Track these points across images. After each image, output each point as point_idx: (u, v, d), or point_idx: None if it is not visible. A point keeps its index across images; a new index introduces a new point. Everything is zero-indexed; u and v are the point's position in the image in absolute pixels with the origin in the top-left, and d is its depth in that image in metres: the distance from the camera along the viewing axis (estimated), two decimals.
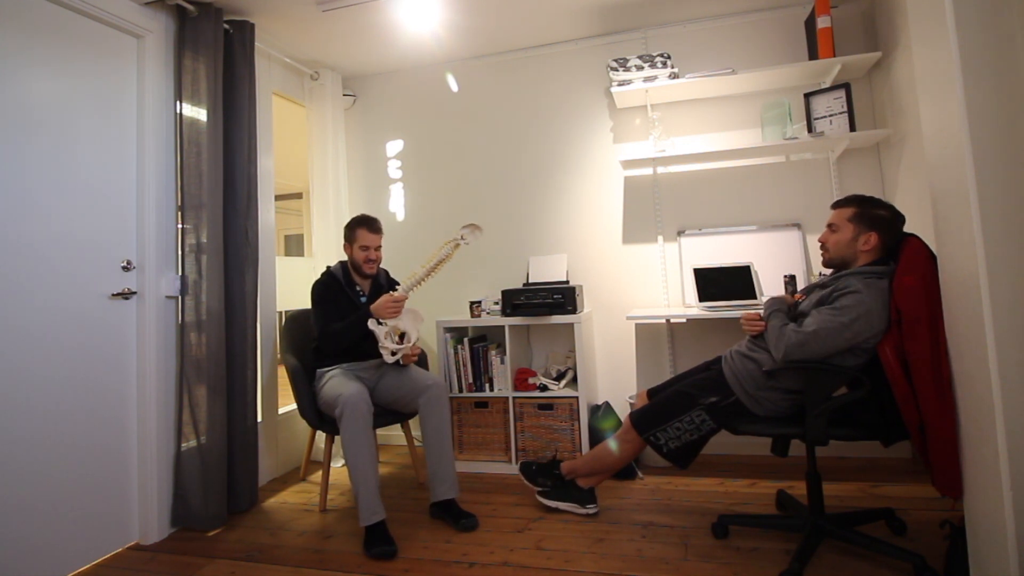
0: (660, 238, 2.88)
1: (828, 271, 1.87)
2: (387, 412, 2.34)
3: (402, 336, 2.24)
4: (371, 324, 2.19)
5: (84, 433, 1.95)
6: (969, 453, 1.35)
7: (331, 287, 2.38)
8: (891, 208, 1.73)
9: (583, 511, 2.12)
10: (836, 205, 1.81)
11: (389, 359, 2.17)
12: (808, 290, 1.88)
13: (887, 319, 1.58)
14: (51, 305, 1.88)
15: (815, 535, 1.71)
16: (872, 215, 1.71)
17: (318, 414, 2.31)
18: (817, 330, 1.59)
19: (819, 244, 1.83)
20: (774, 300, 1.85)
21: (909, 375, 1.52)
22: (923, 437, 1.51)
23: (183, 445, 2.20)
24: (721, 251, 2.76)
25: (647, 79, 2.69)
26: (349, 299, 2.39)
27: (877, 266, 1.67)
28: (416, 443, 2.66)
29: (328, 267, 2.47)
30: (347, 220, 3.07)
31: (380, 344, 2.17)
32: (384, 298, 2.23)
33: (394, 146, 3.31)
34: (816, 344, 1.59)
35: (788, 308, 1.82)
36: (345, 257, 2.48)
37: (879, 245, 1.70)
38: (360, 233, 2.39)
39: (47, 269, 1.87)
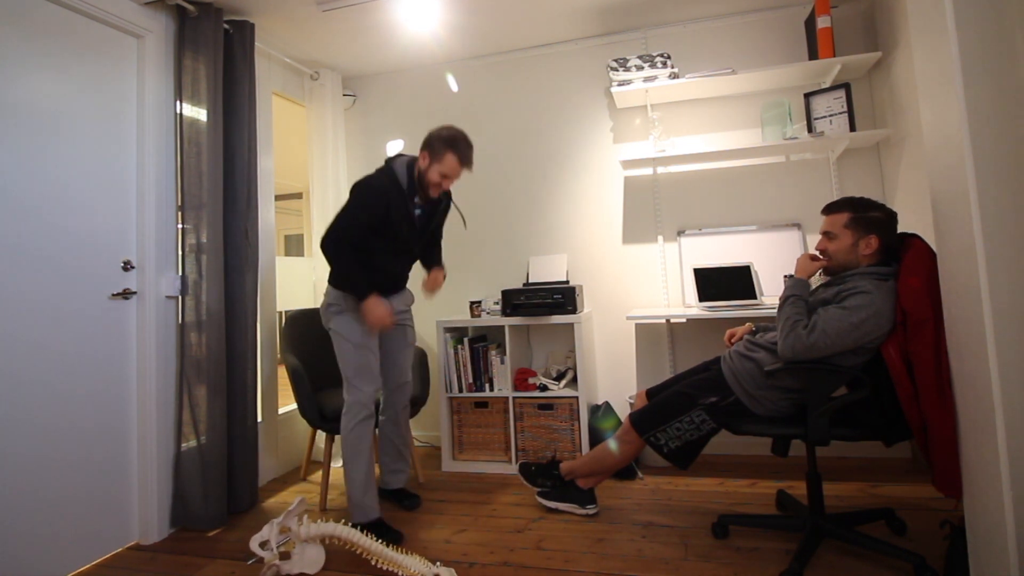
0: (660, 238, 2.88)
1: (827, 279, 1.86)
2: None
3: None
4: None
5: (84, 433, 1.96)
6: (969, 453, 1.35)
7: (388, 196, 2.02)
8: (883, 208, 1.72)
9: (583, 512, 2.12)
10: (828, 211, 1.79)
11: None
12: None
13: (894, 320, 1.58)
14: (51, 305, 1.88)
15: (815, 535, 1.71)
16: (868, 219, 1.70)
17: (319, 413, 2.31)
18: (826, 329, 1.58)
19: (818, 253, 1.80)
20: (795, 283, 1.78)
21: (912, 375, 1.52)
22: (926, 437, 1.51)
23: (183, 445, 2.20)
24: (721, 251, 2.76)
25: (647, 79, 2.69)
26: (405, 210, 2.06)
27: (882, 267, 1.67)
28: (416, 443, 2.66)
29: (391, 163, 2.09)
30: None
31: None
32: (385, 313, 2.01)
33: (394, 146, 3.31)
34: (825, 344, 1.59)
35: (808, 294, 1.76)
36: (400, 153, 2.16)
37: (880, 247, 1.69)
38: (449, 160, 2.01)
39: (47, 269, 1.87)
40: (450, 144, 2.02)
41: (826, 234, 1.77)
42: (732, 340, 2.02)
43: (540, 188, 3.09)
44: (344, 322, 2.08)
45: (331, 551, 1.90)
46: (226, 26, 2.41)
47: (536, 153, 3.10)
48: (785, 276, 1.83)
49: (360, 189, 2.04)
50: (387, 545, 1.76)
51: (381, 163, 2.13)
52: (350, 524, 1.92)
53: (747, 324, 2.05)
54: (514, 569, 1.78)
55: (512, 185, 3.13)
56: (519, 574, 1.75)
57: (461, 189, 3.17)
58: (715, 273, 2.59)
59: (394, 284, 2.22)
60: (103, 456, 2.01)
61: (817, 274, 1.84)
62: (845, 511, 1.93)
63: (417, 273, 2.27)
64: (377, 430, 2.32)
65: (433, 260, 2.32)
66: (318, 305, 2.95)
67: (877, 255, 1.70)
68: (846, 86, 2.48)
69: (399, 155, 2.13)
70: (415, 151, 2.05)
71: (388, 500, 2.32)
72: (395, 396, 2.29)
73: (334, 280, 2.12)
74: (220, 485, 2.20)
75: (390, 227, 2.05)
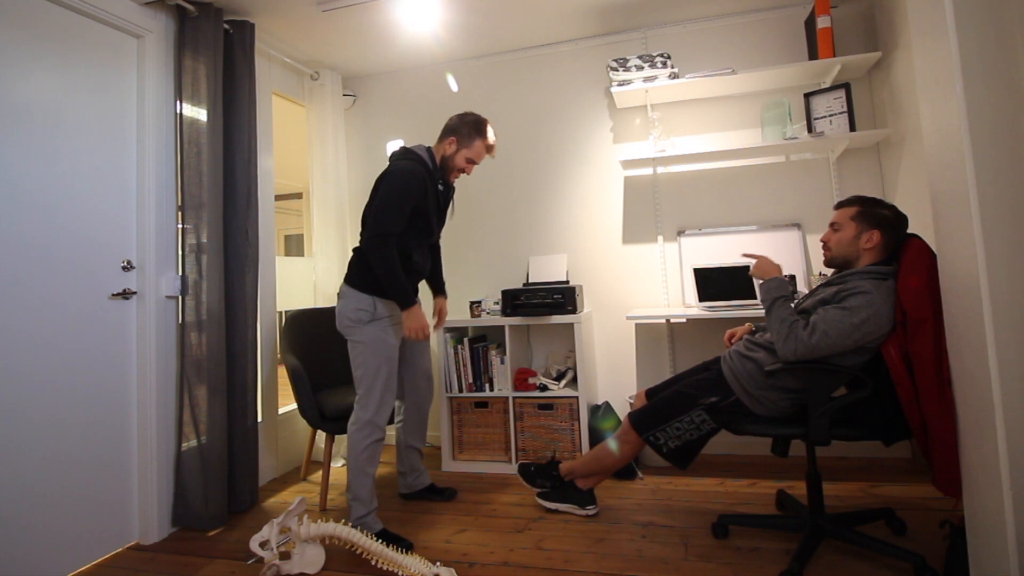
0: (660, 238, 2.88)
1: (829, 271, 1.87)
2: None
3: None
4: None
5: (84, 433, 1.96)
6: (969, 453, 1.35)
7: (421, 180, 2.00)
8: (894, 208, 1.73)
9: (583, 512, 2.12)
10: (839, 205, 1.82)
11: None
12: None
13: (893, 320, 1.58)
14: (51, 305, 1.88)
15: (815, 535, 1.71)
16: (875, 214, 1.72)
17: (319, 413, 2.30)
18: (827, 330, 1.58)
19: (821, 243, 1.83)
20: (774, 285, 1.76)
21: (913, 375, 1.52)
22: (926, 437, 1.51)
23: (183, 445, 2.20)
24: (721, 251, 2.76)
25: (647, 79, 2.69)
26: (435, 195, 2.08)
27: (881, 267, 1.67)
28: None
29: (410, 151, 2.10)
30: (347, 218, 3.04)
31: None
32: (426, 322, 2.01)
33: (394, 146, 3.28)
34: (826, 345, 1.59)
35: (790, 292, 1.76)
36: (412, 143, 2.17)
37: (881, 244, 1.70)
38: (478, 145, 2.10)
39: (47, 269, 1.88)
40: (479, 130, 2.09)
41: (832, 225, 1.80)
42: (732, 340, 2.02)
43: (540, 188, 3.09)
44: (374, 333, 1.98)
45: (331, 551, 1.91)
46: (226, 26, 2.41)
47: (536, 153, 3.10)
48: (759, 283, 1.81)
49: (398, 176, 1.97)
50: (388, 545, 1.76)
51: (381, 163, 2.13)
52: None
53: (747, 324, 2.05)
54: (514, 569, 1.78)
55: (512, 185, 3.13)
56: (519, 574, 1.75)
57: (462, 188, 3.18)
58: (715, 273, 2.59)
59: (417, 286, 2.20)
60: (103, 456, 2.01)
61: (817, 273, 1.84)
62: (845, 511, 1.93)
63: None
64: (397, 437, 2.34)
65: (437, 278, 2.38)
66: (318, 305, 2.98)
67: (878, 252, 1.70)
68: (846, 86, 2.48)
69: (413, 146, 2.13)
70: None
71: (423, 500, 2.35)
72: (421, 396, 2.31)
73: (367, 284, 1.99)
74: (220, 485, 2.20)
75: (425, 217, 2.03)
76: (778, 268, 1.82)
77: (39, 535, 1.80)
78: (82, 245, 1.99)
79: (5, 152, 1.78)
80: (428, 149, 2.13)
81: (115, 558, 2.00)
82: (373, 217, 1.94)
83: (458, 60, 3.20)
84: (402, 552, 1.75)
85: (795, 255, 2.65)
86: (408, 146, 2.13)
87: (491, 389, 2.69)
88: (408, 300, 1.96)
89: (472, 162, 2.12)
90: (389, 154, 2.17)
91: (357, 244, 2.09)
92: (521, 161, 3.12)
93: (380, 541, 1.77)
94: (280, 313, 2.92)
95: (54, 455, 1.86)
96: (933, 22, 1.30)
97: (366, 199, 3.37)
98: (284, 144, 3.56)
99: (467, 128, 2.09)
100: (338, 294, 2.08)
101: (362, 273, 2.03)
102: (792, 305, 1.73)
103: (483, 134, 2.10)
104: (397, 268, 1.93)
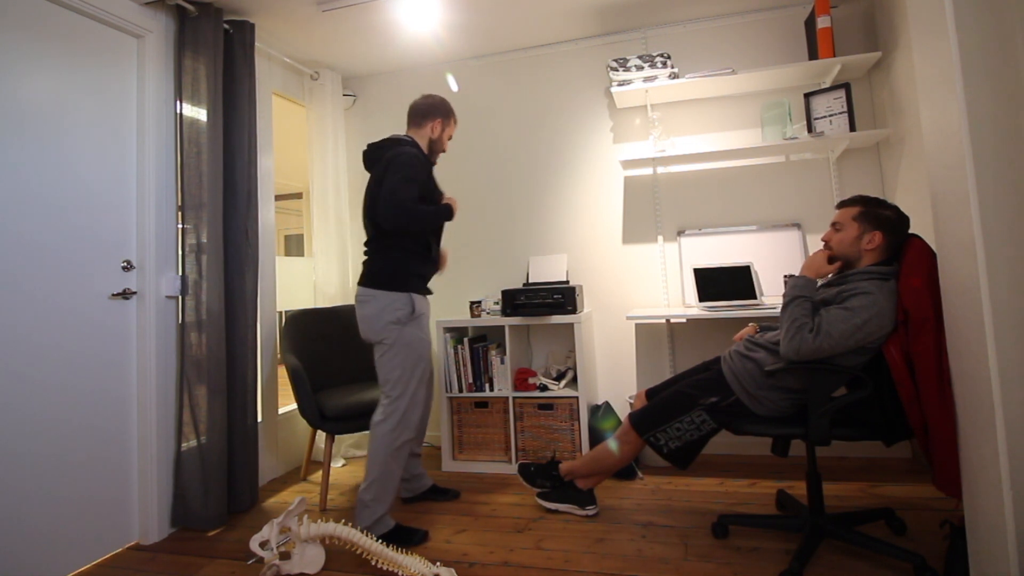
0: (660, 238, 2.88)
1: None
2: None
3: None
4: None
5: (84, 433, 1.96)
6: (969, 453, 1.35)
7: (424, 164, 2.06)
8: (896, 209, 1.73)
9: (583, 512, 2.12)
10: (841, 205, 1.81)
11: None
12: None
13: (895, 320, 1.58)
14: (50, 305, 1.88)
15: (815, 535, 1.71)
16: (877, 214, 1.71)
17: (319, 413, 2.30)
18: (830, 331, 1.58)
19: (822, 243, 1.82)
20: (805, 283, 1.75)
21: (914, 375, 1.52)
22: (927, 437, 1.51)
23: (183, 445, 2.20)
24: (721, 251, 2.76)
25: (647, 79, 2.69)
26: (432, 179, 2.13)
27: (882, 267, 1.67)
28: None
29: (401, 137, 2.12)
30: (347, 218, 3.04)
31: None
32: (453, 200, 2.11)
33: None
34: (829, 346, 1.59)
35: (813, 294, 1.74)
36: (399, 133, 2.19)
37: (883, 245, 1.69)
38: (453, 122, 2.20)
39: (46, 269, 1.88)
40: (449, 107, 2.19)
41: (834, 225, 1.79)
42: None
43: (540, 188, 3.09)
44: (413, 333, 1.99)
45: (331, 551, 1.91)
46: (226, 26, 2.41)
47: (536, 153, 3.10)
48: (785, 276, 1.83)
49: (408, 158, 1.96)
50: (387, 545, 1.76)
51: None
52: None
53: (751, 325, 2.04)
54: (514, 569, 1.78)
55: (512, 185, 3.13)
56: (519, 574, 1.75)
57: (461, 188, 3.18)
58: (715, 273, 2.59)
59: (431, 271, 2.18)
60: (103, 456, 2.01)
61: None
62: (845, 511, 1.93)
63: None
64: None
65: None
66: (318, 305, 2.98)
67: (880, 253, 1.70)
68: (846, 86, 2.48)
69: (399, 136, 2.13)
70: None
71: (426, 501, 2.35)
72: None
73: (399, 281, 1.97)
74: (220, 485, 2.20)
75: (432, 203, 2.06)
76: (822, 271, 1.79)
77: (39, 535, 1.79)
78: (82, 245, 1.99)
79: (5, 152, 1.77)
80: (411, 138, 2.13)
81: (115, 558, 2.00)
82: (390, 192, 1.89)
83: (458, 60, 3.20)
84: (402, 552, 1.75)
85: (795, 255, 2.65)
86: (394, 137, 2.12)
87: (491, 389, 2.69)
88: (446, 207, 2.06)
89: (451, 138, 2.22)
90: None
91: (365, 247, 2.08)
92: (521, 161, 3.12)
93: (381, 542, 1.77)
94: (280, 313, 2.92)
95: (54, 455, 1.86)
96: (933, 22, 1.30)
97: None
98: (284, 144, 3.56)
99: (443, 108, 2.17)
100: (357, 300, 2.02)
101: (391, 271, 1.98)
102: (810, 306, 1.70)
103: (452, 111, 2.20)
104: (422, 212, 1.96)
